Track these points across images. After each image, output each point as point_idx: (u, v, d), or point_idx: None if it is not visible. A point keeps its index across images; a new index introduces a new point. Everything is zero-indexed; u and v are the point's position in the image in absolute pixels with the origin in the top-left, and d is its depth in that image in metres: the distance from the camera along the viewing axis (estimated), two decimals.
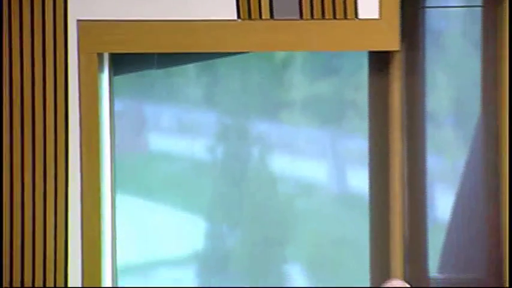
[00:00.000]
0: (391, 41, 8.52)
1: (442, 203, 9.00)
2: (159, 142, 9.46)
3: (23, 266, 8.72)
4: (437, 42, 8.94)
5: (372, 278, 8.97)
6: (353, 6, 8.61)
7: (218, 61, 9.10)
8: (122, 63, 9.00)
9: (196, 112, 9.35)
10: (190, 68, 9.21)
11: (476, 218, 8.90)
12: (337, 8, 8.62)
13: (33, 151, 8.67)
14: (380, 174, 8.97)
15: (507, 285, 8.66)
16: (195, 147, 9.42)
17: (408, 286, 7.64)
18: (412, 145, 9.02)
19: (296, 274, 9.32)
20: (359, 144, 9.05)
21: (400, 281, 7.85)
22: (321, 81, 9.32)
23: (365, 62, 8.90)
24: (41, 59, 8.64)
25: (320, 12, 8.65)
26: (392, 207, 8.91)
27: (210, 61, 9.11)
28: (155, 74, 9.15)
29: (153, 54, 8.98)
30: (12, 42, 8.62)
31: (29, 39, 8.59)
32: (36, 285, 8.61)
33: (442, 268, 8.93)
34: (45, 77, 8.64)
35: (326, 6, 8.62)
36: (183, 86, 9.33)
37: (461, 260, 8.96)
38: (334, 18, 8.55)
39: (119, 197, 9.04)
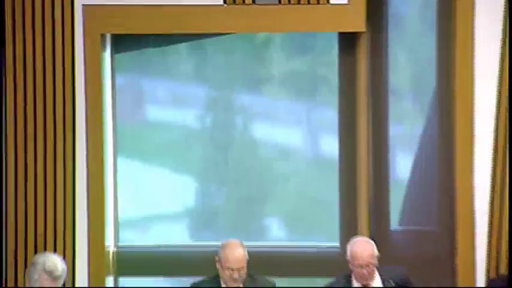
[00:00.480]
0: (357, 23, 8.60)
1: (402, 166, 9.11)
2: (155, 112, 9.54)
3: (36, 221, 8.83)
4: (398, 25, 9.00)
5: (341, 231, 9.03)
6: None
7: (206, 41, 9.19)
8: (122, 43, 9.10)
9: (187, 86, 9.45)
10: (182, 47, 9.31)
11: (431, 178, 8.99)
12: None
13: (44, 122, 8.72)
14: (348, 141, 9.04)
15: (457, 237, 8.75)
16: (187, 116, 9.49)
17: (372, 242, 7.76)
18: (376, 115, 9.07)
19: (275, 228, 9.41)
20: (329, 114, 9.10)
21: (364, 237, 7.91)
22: (297, 59, 9.41)
23: (335, 42, 8.97)
24: (51, 39, 8.74)
25: None
26: (358, 170, 9.04)
27: (200, 41, 9.20)
28: (151, 53, 9.24)
29: (149, 35, 9.05)
30: (25, 24, 8.69)
31: (40, 22, 8.67)
32: (47, 236, 8.77)
33: (402, 222, 9.02)
34: (54, 55, 8.74)
35: None
36: (175, 63, 9.43)
37: (418, 215, 9.02)
38: (308, 3, 8.59)
39: (119, 161, 9.16)
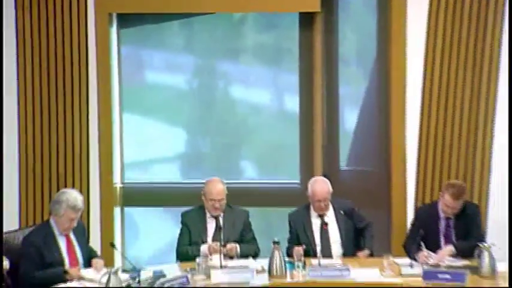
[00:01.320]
0: (313, 5, 8.69)
1: (349, 118, 9.23)
2: (152, 77, 9.64)
3: (58, 164, 8.89)
4: (346, 7, 9.10)
5: (301, 171, 9.21)
6: None
7: (194, 19, 9.28)
8: (126, 20, 9.16)
9: (178, 56, 9.57)
10: (175, 24, 9.42)
11: (372, 128, 9.14)
12: None
13: (63, 84, 8.80)
14: (306, 99, 9.15)
15: (392, 175, 8.93)
16: (178, 80, 9.59)
17: (328, 181, 7.90)
18: (329, 78, 9.17)
19: (248, 168, 9.55)
20: (292, 78, 9.23)
21: (321, 177, 7.99)
22: (265, 34, 9.55)
23: (296, 20, 9.04)
24: (69, 18, 8.82)
25: None
26: (315, 122, 9.16)
27: (188, 19, 9.29)
28: (149, 28, 9.33)
29: (148, 14, 9.10)
30: (49, 5, 8.79)
31: (60, 4, 8.76)
32: (67, 176, 8.91)
33: (349, 163, 9.19)
34: (71, 30, 8.84)
35: None
36: (169, 37, 9.55)
37: (362, 157, 9.22)
38: None
39: (124, 115, 9.27)
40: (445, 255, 7.57)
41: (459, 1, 8.53)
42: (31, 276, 7.12)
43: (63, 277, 7.07)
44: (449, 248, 7.62)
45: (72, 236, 7.40)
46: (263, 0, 8.91)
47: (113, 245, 8.13)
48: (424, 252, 7.53)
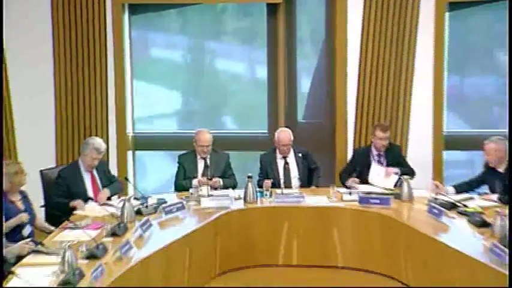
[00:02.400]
0: None
1: (305, 84, 9.32)
2: (155, 53, 9.70)
3: (84, 118, 9.01)
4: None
5: (268, 123, 9.20)
6: None
7: (187, 8, 9.29)
8: (135, 9, 9.13)
9: (176, 36, 9.61)
10: (173, 11, 9.43)
11: (321, 91, 9.16)
12: None
13: (88, 58, 8.91)
14: (273, 69, 9.15)
15: (336, 126, 8.94)
16: (175, 55, 9.67)
17: (290, 131, 7.95)
18: (289, 54, 9.14)
19: (229, 122, 9.63)
20: (262, 54, 9.23)
21: (285, 128, 8.03)
22: (242, 20, 9.60)
23: (264, 9, 9.02)
24: (92, 9, 8.88)
25: None
26: (279, 87, 9.18)
27: (183, 8, 9.32)
28: (153, 15, 9.34)
29: (152, 4, 9.10)
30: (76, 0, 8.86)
31: None
32: (91, 127, 9.00)
33: (304, 117, 9.26)
34: (93, 18, 8.89)
35: None
36: (168, 22, 9.56)
37: (313, 113, 9.27)
38: None
39: (135, 82, 9.28)
40: (392, 172, 7.76)
41: None
42: (54, 200, 7.35)
43: (70, 204, 7.20)
44: (396, 169, 7.76)
45: (95, 173, 7.55)
46: None
47: (126, 179, 8.33)
48: (353, 179, 7.84)
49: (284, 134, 7.96)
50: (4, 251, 6.09)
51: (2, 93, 8.62)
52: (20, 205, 6.80)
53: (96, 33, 8.96)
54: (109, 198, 7.50)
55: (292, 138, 7.94)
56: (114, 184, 7.74)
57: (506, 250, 5.90)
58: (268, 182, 7.58)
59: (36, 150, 8.77)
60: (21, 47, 8.92)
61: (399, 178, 7.63)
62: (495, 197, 7.26)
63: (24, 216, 6.73)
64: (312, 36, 9.32)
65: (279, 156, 7.98)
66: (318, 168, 8.13)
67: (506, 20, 8.16)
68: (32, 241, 6.24)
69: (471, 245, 6.18)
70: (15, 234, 6.57)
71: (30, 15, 8.94)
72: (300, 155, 8.00)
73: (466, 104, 9.18)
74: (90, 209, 7.20)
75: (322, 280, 7.02)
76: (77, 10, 8.93)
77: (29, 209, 6.87)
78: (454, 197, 7.25)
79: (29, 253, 6.04)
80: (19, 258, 5.99)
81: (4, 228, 6.51)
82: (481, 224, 6.51)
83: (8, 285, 5.52)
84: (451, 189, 7.52)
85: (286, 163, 7.97)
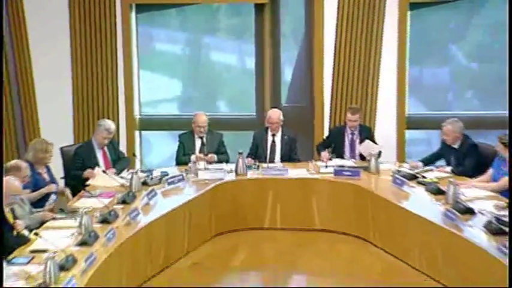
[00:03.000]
0: None
1: (287, 73, 9.26)
2: (159, 46, 9.61)
3: (98, 101, 8.99)
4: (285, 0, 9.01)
5: (256, 107, 9.14)
6: None
7: (186, 8, 9.22)
8: (141, 8, 9.05)
9: (176, 32, 9.54)
10: (173, 11, 9.35)
11: (301, 80, 9.12)
12: None
13: (101, 50, 8.88)
14: (260, 61, 9.06)
15: (315, 108, 8.90)
16: (176, 49, 9.61)
17: (279, 111, 7.95)
18: (274, 47, 9.03)
19: (222, 106, 9.60)
20: (250, 47, 9.16)
21: (276, 109, 8.08)
22: (234, 18, 9.52)
23: (253, 9, 8.93)
24: (104, 8, 8.84)
25: None
26: (265, 76, 9.11)
27: (182, 8, 9.23)
28: (157, 14, 9.26)
29: (155, 4, 9.05)
30: (91, 1, 8.82)
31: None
32: (104, 110, 8.95)
33: (287, 101, 9.15)
34: (106, 16, 8.85)
35: None
36: (169, 20, 9.48)
37: (295, 98, 9.18)
38: None
39: (141, 71, 9.22)
40: (369, 148, 7.74)
41: None
42: (72, 173, 7.41)
43: (83, 175, 7.28)
44: (377, 147, 7.77)
45: (106, 150, 7.59)
46: None
47: (134, 155, 8.42)
48: (325, 153, 7.81)
49: (274, 113, 7.97)
50: (28, 218, 6.14)
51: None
52: (46, 177, 6.92)
53: (108, 29, 8.91)
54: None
55: (281, 118, 7.92)
56: (122, 160, 7.79)
57: (458, 214, 6.02)
58: (250, 160, 7.67)
59: (56, 129, 8.72)
60: (43, 38, 8.88)
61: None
62: (449, 169, 7.35)
63: (53, 187, 6.86)
64: (294, 32, 9.27)
65: (269, 134, 7.95)
66: (297, 155, 8.09)
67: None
68: (55, 208, 6.35)
69: (428, 210, 6.32)
70: (43, 202, 6.62)
71: (51, 12, 8.87)
72: (286, 137, 7.97)
73: (425, 90, 9.18)
74: (102, 180, 7.20)
75: (301, 238, 7.14)
76: (91, 8, 8.87)
77: (53, 179, 6.99)
78: (414, 169, 7.39)
79: (51, 218, 6.13)
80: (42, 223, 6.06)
81: (35, 195, 6.60)
82: (437, 191, 6.65)
83: (33, 246, 5.59)
84: (420, 164, 7.58)
85: (273, 141, 7.95)
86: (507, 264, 5.19)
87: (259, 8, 8.95)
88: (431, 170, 7.47)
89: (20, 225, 5.54)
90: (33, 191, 6.63)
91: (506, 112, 8.38)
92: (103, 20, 8.91)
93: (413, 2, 8.67)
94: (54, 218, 6.17)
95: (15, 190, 5.79)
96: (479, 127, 7.65)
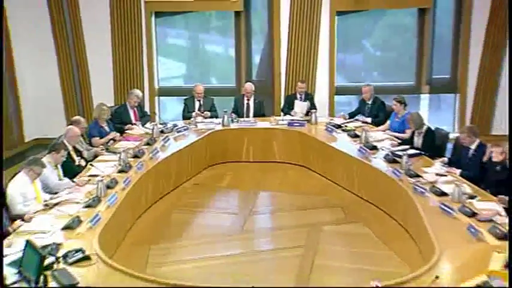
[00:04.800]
0: (239, 7, 8.49)
1: (256, 57, 8.98)
2: (171, 41, 9.39)
3: (131, 78, 8.72)
4: (254, 7, 8.71)
5: (235, 81, 8.87)
6: None
7: (188, 14, 8.96)
8: (159, 15, 8.78)
9: (181, 31, 9.30)
10: (180, 16, 9.06)
11: (265, 62, 8.84)
12: None
13: (131, 47, 8.65)
14: (238, 50, 8.77)
15: (275, 83, 8.68)
16: (181, 42, 9.39)
17: (252, 84, 7.74)
18: (247, 41, 8.81)
19: (214, 79, 9.35)
20: (231, 41, 8.87)
21: (249, 82, 7.94)
22: (220, 21, 9.26)
23: (233, 15, 8.66)
24: (133, 15, 8.58)
25: None
26: (241, 60, 8.82)
27: (186, 14, 8.94)
28: (169, 18, 9.00)
29: (169, 12, 8.83)
30: (122, 9, 8.56)
31: (128, 8, 8.57)
32: (133, 82, 8.67)
33: (256, 76, 8.91)
34: (135, 20, 8.61)
35: None
36: (177, 22, 9.20)
37: (261, 74, 8.90)
38: None
39: (159, 58, 8.96)
40: (300, 106, 7.67)
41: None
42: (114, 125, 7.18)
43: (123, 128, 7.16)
44: (305, 105, 7.69)
45: (135, 109, 7.50)
46: (219, 5, 8.63)
47: (154, 113, 8.36)
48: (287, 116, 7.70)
49: (248, 85, 7.86)
50: (86, 152, 6.17)
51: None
52: (107, 129, 6.86)
53: (137, 28, 8.67)
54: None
55: (253, 88, 7.81)
56: (146, 116, 7.70)
57: (368, 150, 6.11)
58: (232, 114, 7.54)
59: (102, 95, 8.48)
60: (94, 32, 8.66)
61: (310, 109, 7.67)
62: (369, 119, 7.35)
63: (115, 134, 6.80)
64: (260, 30, 9.01)
65: (245, 98, 7.83)
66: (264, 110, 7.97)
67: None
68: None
69: (349, 148, 6.44)
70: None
71: (99, 12, 8.61)
72: (256, 101, 7.84)
73: (346, 70, 9.10)
74: (135, 130, 7.19)
75: (265, 167, 7.19)
76: (126, 14, 8.62)
77: (111, 129, 6.90)
78: (340, 121, 7.40)
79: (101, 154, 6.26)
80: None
81: (103, 141, 6.60)
82: (354, 135, 6.76)
83: (89, 172, 5.64)
84: (347, 116, 7.59)
85: (248, 104, 7.82)
86: (398, 182, 5.31)
87: (237, 14, 8.74)
88: (357, 120, 7.46)
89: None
90: (100, 138, 6.65)
91: (401, 83, 8.71)
92: (133, 22, 8.67)
93: (339, 11, 8.55)
94: (103, 154, 6.28)
95: (76, 134, 5.94)
96: (381, 93, 7.69)
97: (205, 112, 7.76)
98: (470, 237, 4.11)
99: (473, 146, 5.46)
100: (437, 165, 5.59)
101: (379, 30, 9.10)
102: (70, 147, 5.80)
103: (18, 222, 4.44)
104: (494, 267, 3.57)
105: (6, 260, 3.71)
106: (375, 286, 3.35)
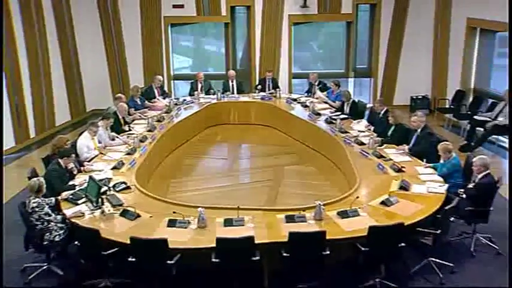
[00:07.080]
0: (227, 19, 8.10)
1: (239, 54, 8.57)
2: (183, 43, 8.95)
3: (158, 66, 8.31)
4: (238, 18, 8.31)
5: (225, 69, 8.30)
6: None
7: (193, 25, 8.56)
8: (173, 25, 8.33)
9: (188, 36, 8.95)
10: (188, 26, 8.64)
11: (246, 56, 8.44)
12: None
13: (153, 48, 8.22)
14: (227, 50, 8.35)
15: (251, 71, 8.37)
16: (188, 44, 9.00)
17: (234, 71, 7.42)
18: (233, 43, 8.35)
19: (210, 69, 8.90)
20: (222, 43, 8.47)
21: (232, 70, 7.51)
22: (215, 28, 8.74)
23: (223, 25, 8.26)
24: (157, 24, 8.19)
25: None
26: (229, 56, 8.38)
27: (192, 25, 8.55)
28: (179, 28, 8.56)
29: (179, 23, 8.38)
30: (148, 20, 8.16)
31: (150, 17, 8.16)
32: (159, 72, 8.21)
33: (239, 66, 8.47)
34: (157, 28, 8.22)
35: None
36: (186, 30, 8.81)
37: (242, 64, 8.46)
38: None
39: (174, 55, 8.52)
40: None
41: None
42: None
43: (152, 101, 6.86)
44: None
45: (159, 89, 7.21)
46: (214, 19, 8.24)
47: (170, 91, 8.07)
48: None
49: (231, 72, 7.61)
50: (128, 118, 6.00)
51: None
52: (139, 102, 6.58)
53: (158, 34, 8.29)
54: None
55: (235, 74, 7.58)
56: (165, 94, 7.44)
57: (314, 115, 6.07)
58: (220, 91, 7.25)
59: (134, 80, 8.20)
60: (130, 37, 8.30)
61: (275, 88, 7.44)
62: (323, 94, 6.99)
63: (145, 111, 6.55)
64: (242, 35, 8.62)
65: (230, 81, 7.53)
66: (243, 91, 7.66)
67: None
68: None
69: (302, 114, 6.37)
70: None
71: (132, 25, 8.22)
72: (238, 82, 7.58)
73: (300, 62, 8.85)
74: (158, 103, 6.94)
75: (246, 128, 7.02)
76: (151, 24, 8.23)
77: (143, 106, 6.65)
78: (296, 96, 7.26)
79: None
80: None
81: (138, 112, 6.31)
82: (305, 106, 6.69)
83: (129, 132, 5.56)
84: (305, 94, 7.30)
85: (233, 85, 7.54)
86: (333, 136, 5.31)
87: (226, 24, 8.39)
88: (304, 96, 7.30)
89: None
90: (135, 110, 6.38)
91: (335, 71, 8.45)
92: (156, 30, 8.29)
93: (295, 22, 8.28)
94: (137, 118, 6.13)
95: (125, 109, 5.87)
96: (322, 77, 7.59)
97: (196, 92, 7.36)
98: (379, 171, 4.27)
99: (382, 112, 5.50)
100: (359, 125, 5.67)
101: (321, 35, 9.01)
102: (120, 116, 5.81)
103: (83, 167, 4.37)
104: (392, 189, 3.80)
105: (77, 188, 3.82)
106: (317, 204, 3.37)
